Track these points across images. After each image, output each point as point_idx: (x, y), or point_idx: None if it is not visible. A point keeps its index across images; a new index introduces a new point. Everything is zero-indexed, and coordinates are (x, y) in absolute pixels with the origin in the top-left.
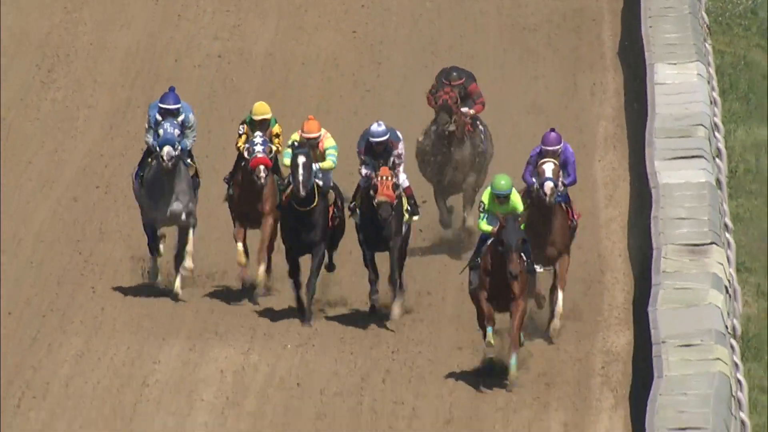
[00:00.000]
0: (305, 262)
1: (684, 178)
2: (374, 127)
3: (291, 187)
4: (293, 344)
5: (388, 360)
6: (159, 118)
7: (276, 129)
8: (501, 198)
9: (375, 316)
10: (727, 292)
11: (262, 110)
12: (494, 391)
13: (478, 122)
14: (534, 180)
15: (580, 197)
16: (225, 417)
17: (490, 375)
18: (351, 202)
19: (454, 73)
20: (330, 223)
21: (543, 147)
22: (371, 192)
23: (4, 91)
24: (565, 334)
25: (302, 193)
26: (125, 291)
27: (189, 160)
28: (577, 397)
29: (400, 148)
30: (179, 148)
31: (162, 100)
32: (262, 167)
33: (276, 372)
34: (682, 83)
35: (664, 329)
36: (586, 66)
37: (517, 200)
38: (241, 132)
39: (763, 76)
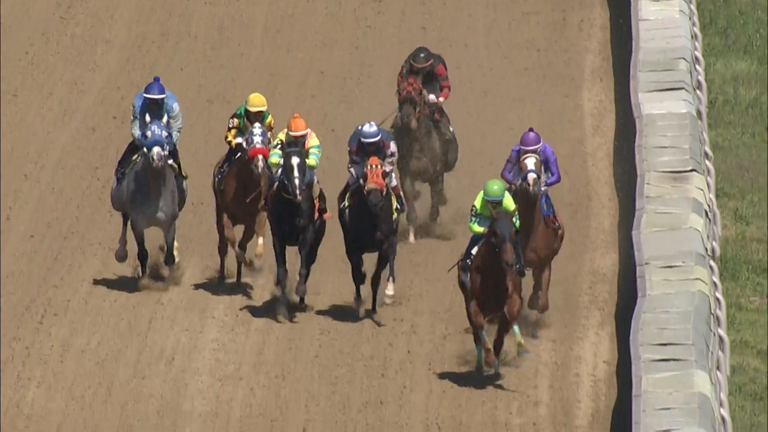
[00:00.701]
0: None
1: (666, 108)
2: (366, 128)
3: (276, 184)
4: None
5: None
6: (147, 121)
7: (269, 121)
8: (494, 204)
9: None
10: (706, 216)
11: (258, 102)
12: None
13: (444, 114)
14: (516, 177)
15: (569, 127)
16: (235, 333)
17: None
18: (340, 203)
19: (422, 55)
20: (317, 214)
21: (522, 147)
22: (361, 181)
23: (27, 27)
24: (545, 326)
25: (299, 196)
26: None
27: (171, 161)
28: (565, 315)
29: (392, 147)
30: (168, 149)
31: (147, 90)
32: (260, 157)
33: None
34: (665, 19)
35: (647, 251)
36: (574, 2)
37: (509, 201)
38: (231, 125)
39: (741, 12)
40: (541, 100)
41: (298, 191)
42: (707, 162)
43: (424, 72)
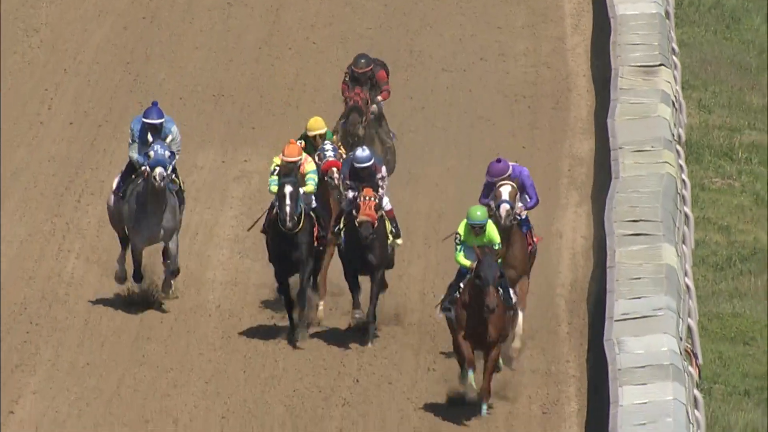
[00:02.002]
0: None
1: (638, 9)
2: (359, 153)
3: (275, 210)
4: None
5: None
6: (148, 137)
7: (334, 139)
8: (477, 229)
9: None
10: (673, 105)
11: (316, 126)
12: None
13: (383, 117)
14: (491, 203)
15: (551, 26)
16: (252, 212)
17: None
18: (335, 226)
19: (362, 60)
20: (316, 242)
21: (489, 179)
22: (354, 212)
23: None
24: (536, 141)
25: (289, 224)
26: (171, 101)
27: (174, 175)
28: (547, 195)
29: (383, 171)
30: (170, 168)
31: (146, 115)
32: (334, 169)
33: None
34: None
35: (620, 137)
36: None
37: (493, 232)
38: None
39: None
40: (526, 1)
41: (288, 219)
42: (674, 57)
43: (365, 77)
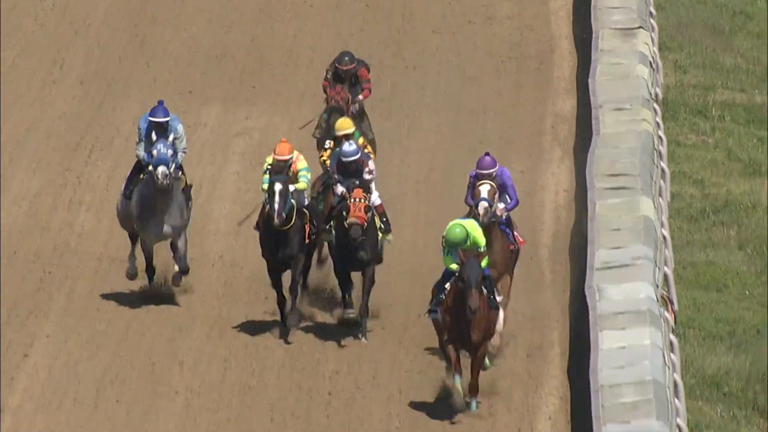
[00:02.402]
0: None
1: None
2: (346, 147)
3: (268, 208)
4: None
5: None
6: (153, 135)
7: (361, 141)
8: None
9: None
10: (651, 66)
11: (344, 126)
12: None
13: (365, 114)
14: (471, 201)
15: None
16: (252, 166)
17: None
18: (326, 223)
19: (346, 58)
20: (307, 239)
21: (478, 171)
22: (343, 213)
23: None
24: (521, 99)
25: (277, 221)
26: (176, 61)
27: (180, 173)
28: (532, 150)
29: (371, 165)
30: (173, 167)
31: (152, 114)
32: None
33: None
34: None
35: (601, 96)
36: None
37: (478, 235)
38: (327, 146)
39: None
40: None
41: (276, 216)
42: (652, 20)
43: (349, 75)
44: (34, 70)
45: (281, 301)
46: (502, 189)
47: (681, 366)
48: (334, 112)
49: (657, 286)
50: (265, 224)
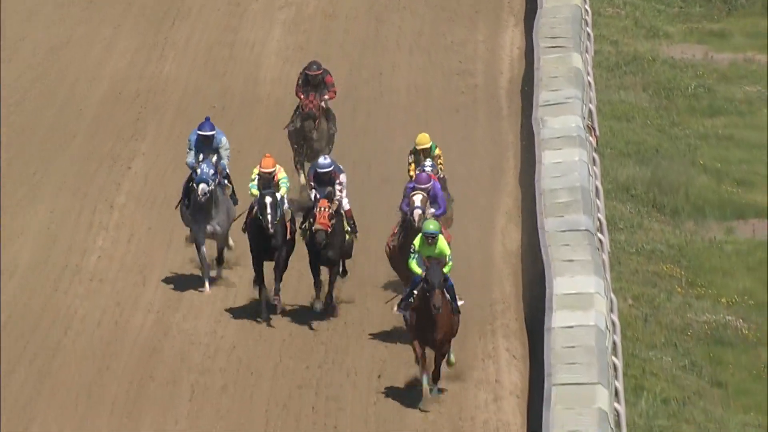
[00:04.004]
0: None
1: None
2: (321, 161)
3: (255, 209)
4: None
5: None
6: (201, 146)
7: (438, 152)
8: (429, 239)
9: None
10: None
11: (423, 140)
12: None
13: (330, 112)
14: (406, 209)
15: None
16: (298, 29)
17: None
18: (301, 224)
19: (314, 66)
20: (289, 234)
21: (416, 185)
22: (311, 220)
23: None
24: (481, 25)
25: (271, 230)
26: None
27: (226, 181)
28: (493, 19)
29: (342, 177)
30: (212, 186)
31: (200, 128)
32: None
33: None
34: None
35: None
36: None
37: (444, 245)
38: (410, 161)
39: None
40: None
41: (270, 226)
42: None
43: (317, 80)
44: None
45: (260, 282)
46: (433, 199)
47: (601, 175)
48: (306, 119)
49: (584, 118)
50: (252, 224)
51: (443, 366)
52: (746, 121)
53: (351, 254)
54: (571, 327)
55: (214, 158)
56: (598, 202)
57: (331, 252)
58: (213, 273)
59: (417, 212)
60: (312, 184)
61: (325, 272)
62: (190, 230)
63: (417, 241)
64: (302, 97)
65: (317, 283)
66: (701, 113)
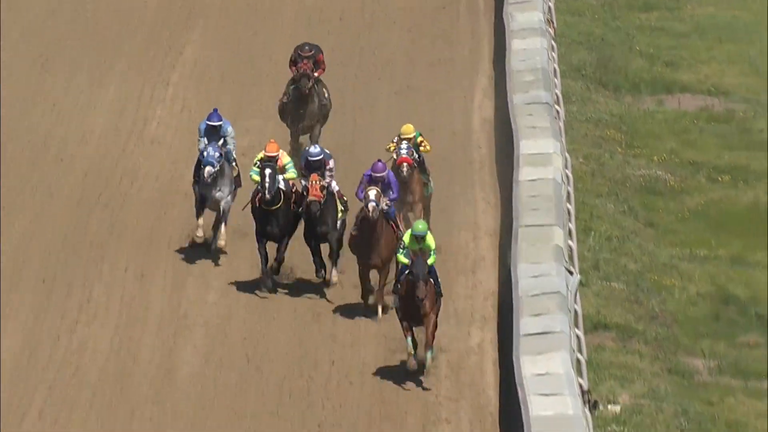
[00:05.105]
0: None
1: None
2: (311, 149)
3: (259, 194)
4: None
5: None
6: (206, 140)
7: (420, 140)
8: (418, 238)
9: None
10: None
11: (407, 131)
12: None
13: (323, 86)
14: (362, 200)
15: None
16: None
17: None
18: (298, 207)
19: (306, 47)
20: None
21: (372, 173)
22: (304, 193)
23: None
24: None
25: (268, 196)
26: None
27: (233, 164)
28: None
29: (331, 164)
30: (217, 167)
31: (208, 119)
32: (405, 164)
33: None
34: None
35: None
36: None
37: (430, 240)
38: (394, 140)
39: None
40: None
41: (267, 191)
42: None
43: (309, 59)
44: None
45: (264, 258)
46: (387, 186)
47: (558, 59)
48: (303, 77)
49: (544, 13)
50: (258, 207)
51: (427, 359)
52: (674, 15)
53: (343, 232)
54: (534, 180)
55: (221, 142)
56: (555, 80)
57: (324, 227)
58: (213, 245)
59: (371, 205)
60: (303, 172)
61: (324, 249)
62: (196, 200)
63: (406, 238)
64: (294, 69)
65: (315, 255)
66: (638, 9)
